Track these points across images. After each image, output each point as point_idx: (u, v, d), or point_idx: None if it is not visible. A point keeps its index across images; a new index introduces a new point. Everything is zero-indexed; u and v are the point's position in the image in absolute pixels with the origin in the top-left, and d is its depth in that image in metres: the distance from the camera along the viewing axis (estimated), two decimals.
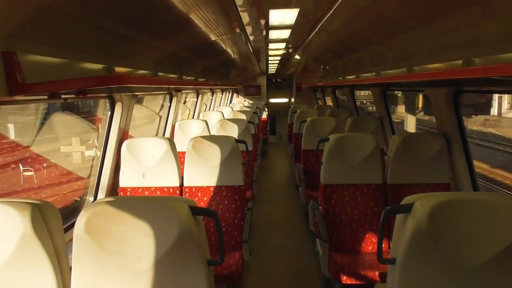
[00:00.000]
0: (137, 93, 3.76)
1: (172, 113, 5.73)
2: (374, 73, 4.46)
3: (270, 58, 8.07)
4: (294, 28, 4.15)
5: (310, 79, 11.18)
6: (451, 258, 1.66)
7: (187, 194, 3.61)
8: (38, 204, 1.63)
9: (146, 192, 3.62)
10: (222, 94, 12.31)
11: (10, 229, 1.57)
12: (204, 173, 3.63)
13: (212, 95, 10.50)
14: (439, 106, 3.73)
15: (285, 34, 4.49)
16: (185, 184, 3.65)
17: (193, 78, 5.39)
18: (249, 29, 4.05)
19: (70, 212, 3.55)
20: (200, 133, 5.46)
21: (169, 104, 5.68)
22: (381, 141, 5.69)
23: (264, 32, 4.34)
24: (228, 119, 5.89)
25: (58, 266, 1.66)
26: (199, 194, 3.64)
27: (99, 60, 2.42)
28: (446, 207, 1.66)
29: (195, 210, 1.71)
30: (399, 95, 18.43)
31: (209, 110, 10.18)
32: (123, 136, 3.73)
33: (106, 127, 3.63)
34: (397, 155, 3.66)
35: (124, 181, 3.60)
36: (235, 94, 14.52)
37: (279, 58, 8.11)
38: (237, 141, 3.71)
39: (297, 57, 7.65)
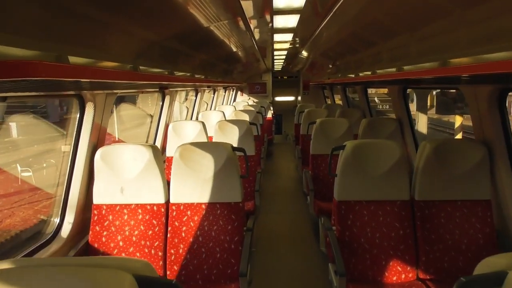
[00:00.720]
0: (115, 91, 3.20)
1: (165, 114, 5.12)
2: (395, 68, 3.80)
3: (275, 53, 7.49)
4: (302, 16, 3.55)
5: (318, 77, 10.54)
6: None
7: (174, 213, 3.09)
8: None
9: (125, 210, 3.06)
10: (225, 92, 11.73)
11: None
12: (195, 187, 3.10)
13: (214, 93, 9.88)
14: (479, 108, 3.09)
15: (292, 21, 3.85)
16: (171, 201, 3.12)
17: (188, 74, 4.77)
18: (251, 17, 3.48)
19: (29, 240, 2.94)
20: (196, 136, 4.97)
21: (161, 103, 5.08)
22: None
23: (269, 19, 3.71)
24: (228, 120, 5.28)
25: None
26: (188, 212, 3.11)
27: (43, 46, 1.76)
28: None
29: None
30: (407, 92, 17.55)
31: (210, 109, 9.67)
32: (97, 142, 3.18)
33: (75, 132, 3.03)
34: (427, 166, 3.07)
35: (99, 198, 3.05)
36: (239, 92, 13.87)
37: (285, 52, 7.46)
38: (234, 149, 3.17)
39: (304, 52, 7.02)
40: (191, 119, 7.31)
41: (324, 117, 6.95)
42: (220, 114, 6.89)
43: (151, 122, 5.46)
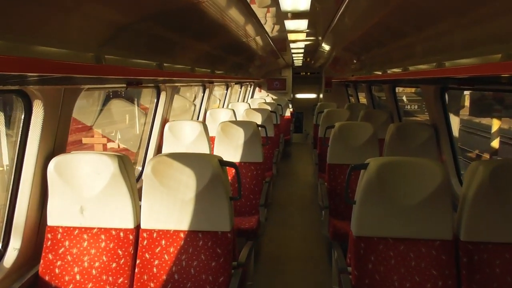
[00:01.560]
0: (77, 86, 2.64)
1: (160, 113, 4.52)
2: (434, 64, 3.00)
3: (292, 46, 6.63)
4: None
5: (341, 73, 9.42)
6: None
7: (145, 242, 2.56)
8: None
9: (85, 236, 2.50)
10: (240, 88, 10.75)
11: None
12: (171, 210, 2.52)
13: (227, 89, 8.98)
14: None
15: (304, 3, 3.11)
16: (142, 226, 2.59)
17: (188, 67, 4.12)
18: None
19: None
20: (196, 138, 4.46)
21: (155, 100, 4.45)
22: (435, 156, 4.27)
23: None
24: (232, 122, 4.58)
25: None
26: (163, 242, 2.54)
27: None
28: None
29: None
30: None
31: (222, 107, 8.96)
32: (53, 150, 2.59)
33: (19, 137, 2.44)
34: (479, 196, 2.28)
35: (53, 218, 2.51)
36: (257, 89, 12.82)
37: (303, 45, 6.63)
38: (223, 163, 2.55)
39: (325, 46, 6.21)
40: (197, 118, 6.63)
41: (345, 119, 6.18)
42: (230, 113, 6.21)
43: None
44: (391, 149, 4.36)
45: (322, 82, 12.72)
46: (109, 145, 10.01)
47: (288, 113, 10.37)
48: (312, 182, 7.65)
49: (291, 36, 5.29)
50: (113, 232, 2.46)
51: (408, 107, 15.24)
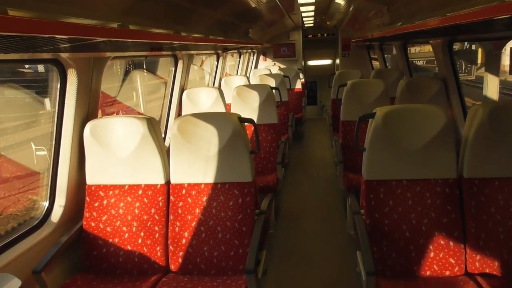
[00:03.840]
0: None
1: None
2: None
3: (301, 1, 5.54)
4: None
5: (362, 31, 7.50)
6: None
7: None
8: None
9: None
10: (239, 58, 9.17)
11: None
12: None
13: (218, 60, 7.09)
14: None
15: None
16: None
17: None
18: None
19: None
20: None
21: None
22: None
23: None
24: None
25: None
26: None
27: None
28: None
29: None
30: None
31: (213, 81, 7.18)
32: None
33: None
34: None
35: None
36: (261, 57, 10.88)
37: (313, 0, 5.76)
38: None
39: None
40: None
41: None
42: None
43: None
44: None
45: (338, 44, 10.69)
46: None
47: (298, 85, 8.51)
48: (331, 175, 5.92)
49: None
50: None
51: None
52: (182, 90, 4.78)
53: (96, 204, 2.72)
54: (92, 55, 2.71)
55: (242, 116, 2.76)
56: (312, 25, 9.90)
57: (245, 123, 2.78)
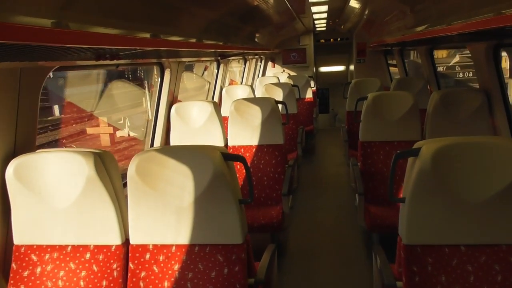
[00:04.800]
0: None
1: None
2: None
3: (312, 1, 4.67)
4: None
5: (379, 35, 6.76)
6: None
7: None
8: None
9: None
10: (244, 65, 8.09)
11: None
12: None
13: (218, 67, 6.09)
14: None
15: None
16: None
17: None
18: None
19: None
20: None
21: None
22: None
23: None
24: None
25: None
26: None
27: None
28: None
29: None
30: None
31: (213, 92, 6.15)
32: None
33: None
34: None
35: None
36: (269, 63, 9.95)
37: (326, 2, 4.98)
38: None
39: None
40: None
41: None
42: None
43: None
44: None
45: (352, 50, 9.69)
46: (119, 133, 9.51)
47: (309, 94, 7.80)
48: (348, 204, 4.96)
49: None
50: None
51: (460, 75, 12.29)
52: (171, 104, 4.02)
53: (26, 273, 1.94)
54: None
55: (241, 135, 3.49)
56: (324, 28, 8.99)
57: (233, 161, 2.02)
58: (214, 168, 1.86)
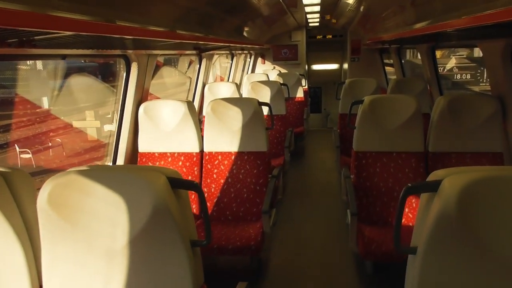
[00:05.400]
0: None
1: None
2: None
3: None
4: None
5: (374, 32, 6.15)
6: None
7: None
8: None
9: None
10: (231, 60, 7.56)
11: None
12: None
13: (200, 62, 5.49)
14: None
15: None
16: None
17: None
18: None
19: None
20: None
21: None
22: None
23: None
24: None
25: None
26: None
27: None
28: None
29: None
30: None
31: (194, 90, 5.59)
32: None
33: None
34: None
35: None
36: (259, 60, 9.47)
37: None
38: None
39: None
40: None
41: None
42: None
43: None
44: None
45: (346, 47, 9.36)
46: (106, 127, 9.06)
47: (300, 93, 7.22)
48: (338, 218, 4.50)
49: None
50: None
51: (458, 76, 11.76)
52: (139, 103, 3.48)
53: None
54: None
55: (218, 140, 3.37)
56: (317, 24, 8.61)
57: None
58: (155, 198, 1.36)
